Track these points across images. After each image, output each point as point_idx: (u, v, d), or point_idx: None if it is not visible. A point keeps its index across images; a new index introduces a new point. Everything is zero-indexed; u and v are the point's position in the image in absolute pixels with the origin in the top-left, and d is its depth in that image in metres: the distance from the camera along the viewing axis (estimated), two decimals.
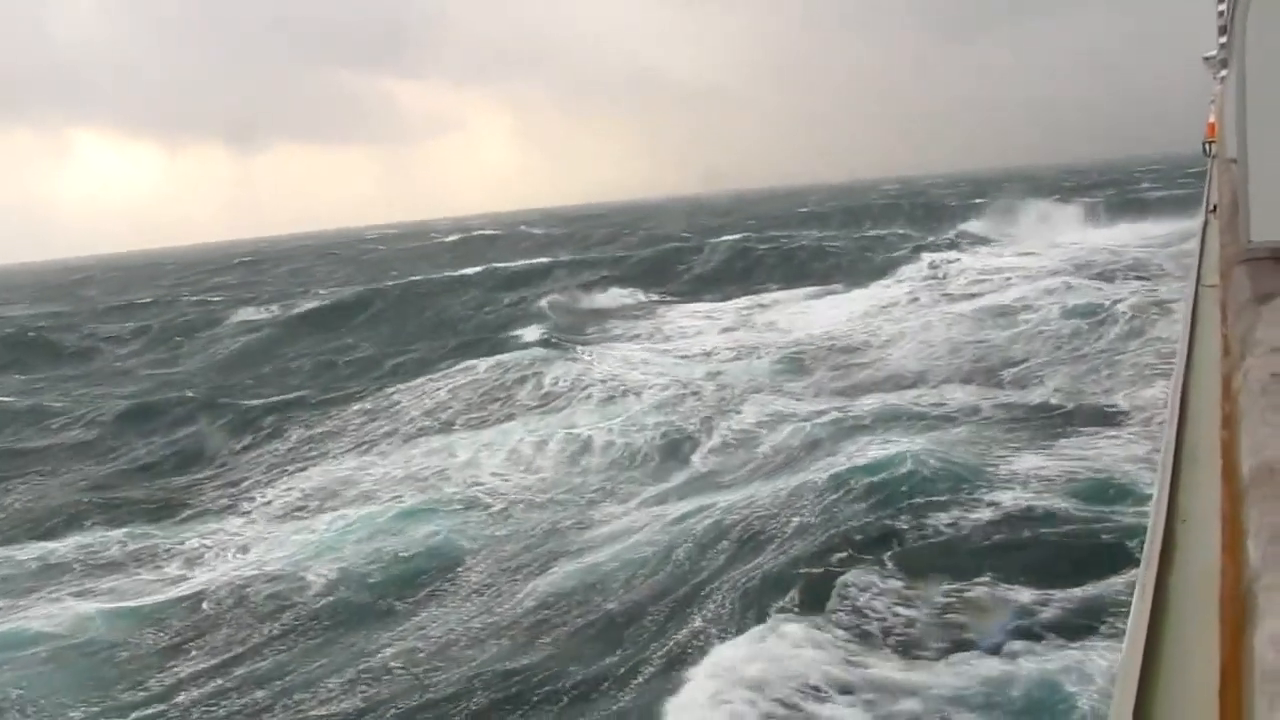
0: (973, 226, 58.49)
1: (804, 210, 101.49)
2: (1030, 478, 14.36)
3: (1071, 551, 11.68)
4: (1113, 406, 17.94)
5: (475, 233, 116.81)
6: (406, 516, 16.35)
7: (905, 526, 12.94)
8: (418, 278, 55.75)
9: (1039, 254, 42.14)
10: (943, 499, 13.71)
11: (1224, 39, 16.94)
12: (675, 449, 18.77)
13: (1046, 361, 22.34)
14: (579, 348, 29.44)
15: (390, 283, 53.52)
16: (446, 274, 57.44)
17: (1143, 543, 2.66)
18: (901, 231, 59.26)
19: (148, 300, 64.70)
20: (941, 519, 13.11)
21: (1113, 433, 16.27)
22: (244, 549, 16.02)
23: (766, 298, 40.16)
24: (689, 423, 20.04)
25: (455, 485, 18.02)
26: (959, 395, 20.12)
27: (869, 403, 19.97)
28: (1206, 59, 24.42)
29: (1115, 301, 26.26)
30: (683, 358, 27.90)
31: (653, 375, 24.86)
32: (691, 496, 15.89)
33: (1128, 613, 2.29)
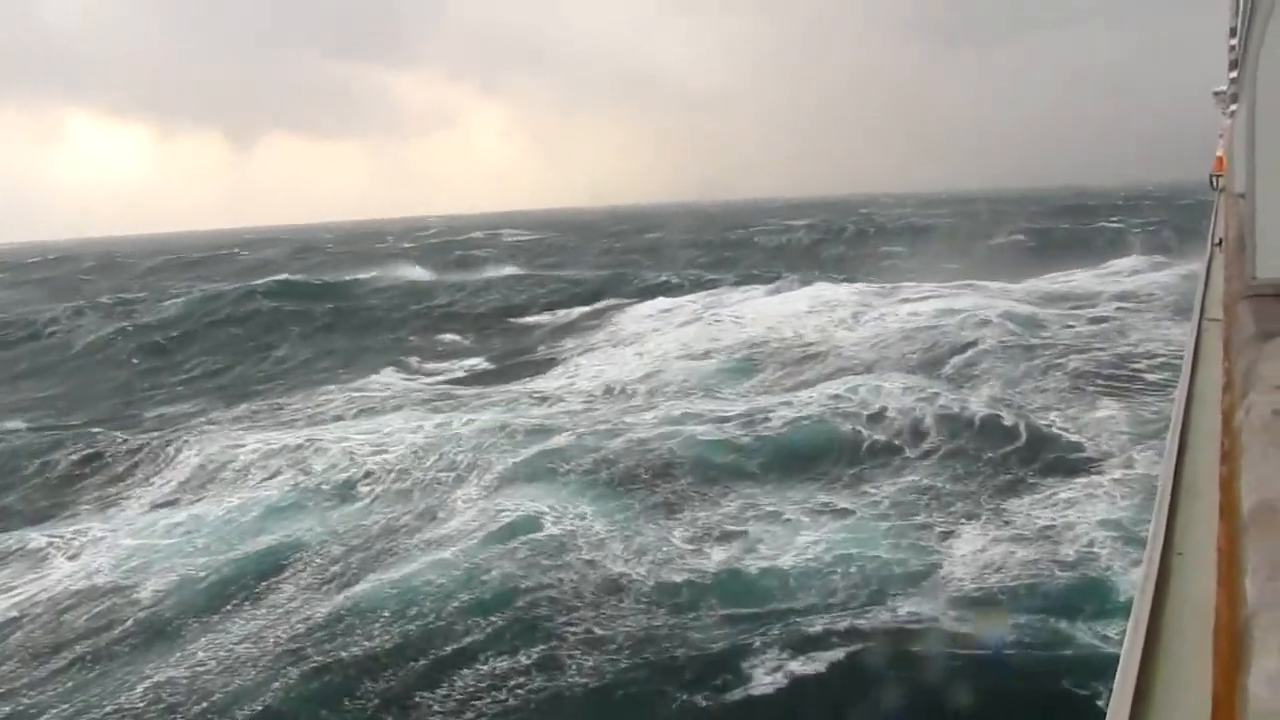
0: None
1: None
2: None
3: None
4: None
5: (428, 239, 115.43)
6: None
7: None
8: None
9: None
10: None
11: (1234, 74, 16.99)
12: None
13: None
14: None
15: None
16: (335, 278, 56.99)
17: (1138, 573, 2.67)
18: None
19: None
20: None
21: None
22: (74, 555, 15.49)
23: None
24: None
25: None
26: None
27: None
28: (1216, 93, 24.45)
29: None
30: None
31: None
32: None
33: (1121, 643, 2.29)
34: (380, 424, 22.02)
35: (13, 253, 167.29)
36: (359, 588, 13.18)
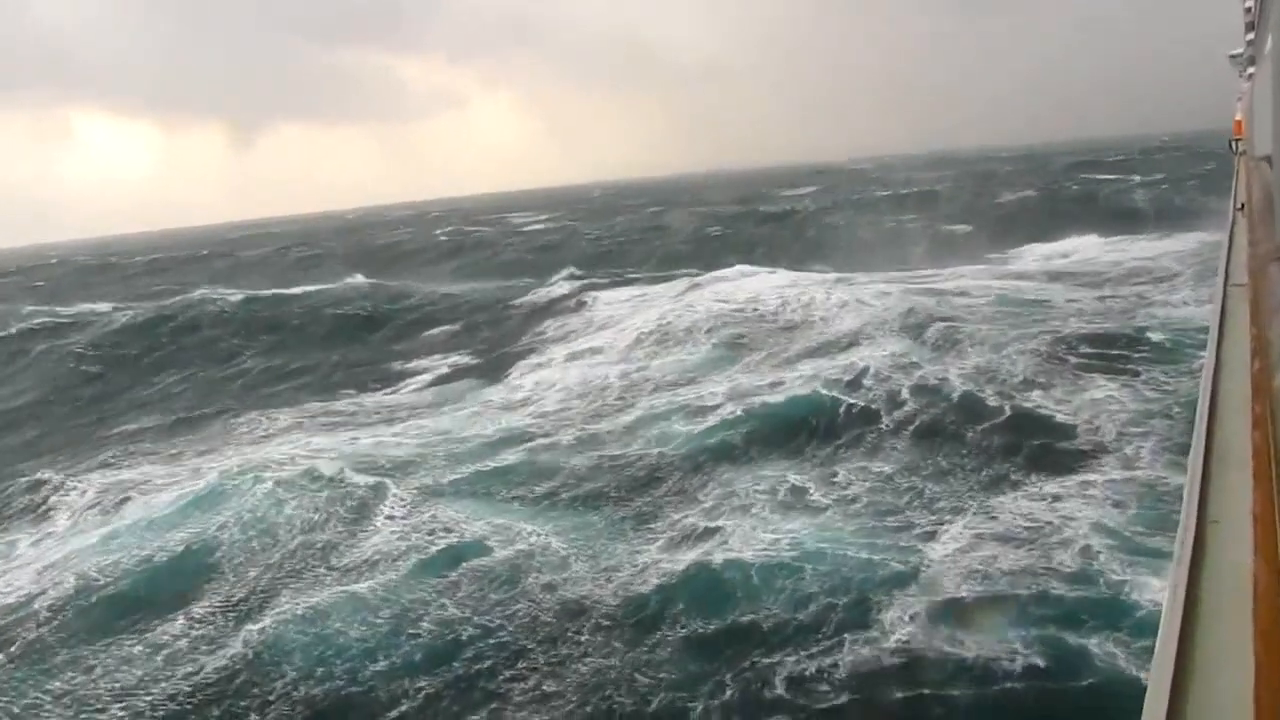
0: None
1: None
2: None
3: None
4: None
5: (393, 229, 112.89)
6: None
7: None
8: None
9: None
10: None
11: (1251, 35, 16.73)
12: None
13: None
14: None
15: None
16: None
17: (1174, 542, 2.64)
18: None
19: None
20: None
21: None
22: None
23: None
24: None
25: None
26: None
27: None
28: (1233, 57, 24.13)
29: None
30: None
31: None
32: None
33: (1159, 613, 2.27)
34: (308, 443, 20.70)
35: None
36: (263, 630, 11.81)
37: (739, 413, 18.81)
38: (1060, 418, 16.60)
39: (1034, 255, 42.99)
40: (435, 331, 38.25)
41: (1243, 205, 8.80)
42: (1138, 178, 76.48)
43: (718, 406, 19.62)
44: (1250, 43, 16.65)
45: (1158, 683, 1.94)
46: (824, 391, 19.30)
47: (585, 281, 45.35)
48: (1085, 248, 43.04)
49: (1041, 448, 15.47)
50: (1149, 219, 50.96)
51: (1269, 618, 1.60)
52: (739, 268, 41.26)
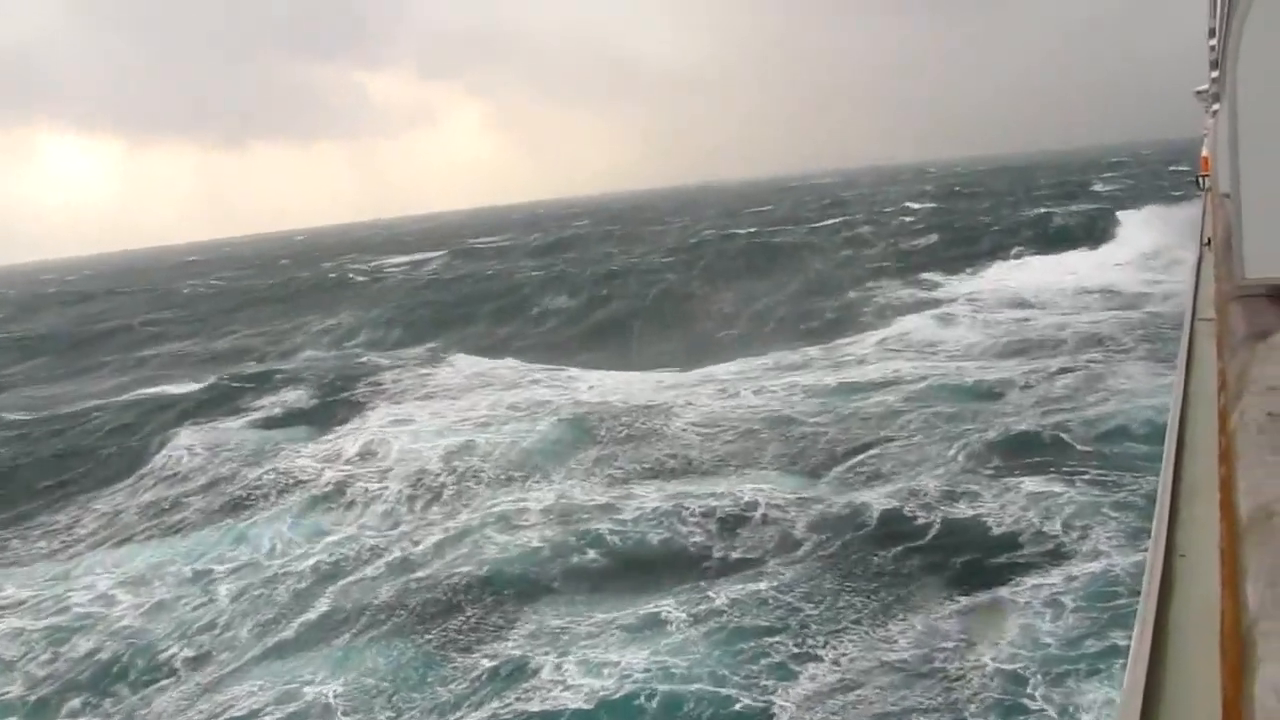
0: None
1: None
2: None
3: None
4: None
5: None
6: None
7: None
8: None
9: None
10: None
11: (1215, 74, 17.09)
12: None
13: None
14: None
15: None
16: None
17: (1142, 576, 2.66)
18: None
19: None
20: None
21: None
22: None
23: None
24: None
25: None
26: None
27: None
28: (1198, 93, 24.61)
29: None
30: None
31: None
32: None
33: (1128, 646, 2.28)
34: None
35: None
36: None
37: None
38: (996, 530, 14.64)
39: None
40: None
41: (1209, 240, 8.97)
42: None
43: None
44: (1215, 80, 17.01)
45: (1127, 713, 1.95)
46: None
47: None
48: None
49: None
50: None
51: (1236, 652, 1.62)
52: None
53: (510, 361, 34.63)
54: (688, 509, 16.95)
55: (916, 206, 79.28)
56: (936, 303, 37.17)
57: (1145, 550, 2.82)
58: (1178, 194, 53.77)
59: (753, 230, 72.57)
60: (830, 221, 77.13)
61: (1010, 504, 15.38)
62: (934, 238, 57.69)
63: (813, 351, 31.14)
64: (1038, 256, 46.47)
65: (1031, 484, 16.04)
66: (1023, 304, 34.91)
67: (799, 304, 42.32)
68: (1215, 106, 17.46)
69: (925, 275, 45.19)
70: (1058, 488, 15.72)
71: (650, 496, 17.92)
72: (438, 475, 20.86)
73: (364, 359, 37.05)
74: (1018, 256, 47.47)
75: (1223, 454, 2.73)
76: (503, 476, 20.49)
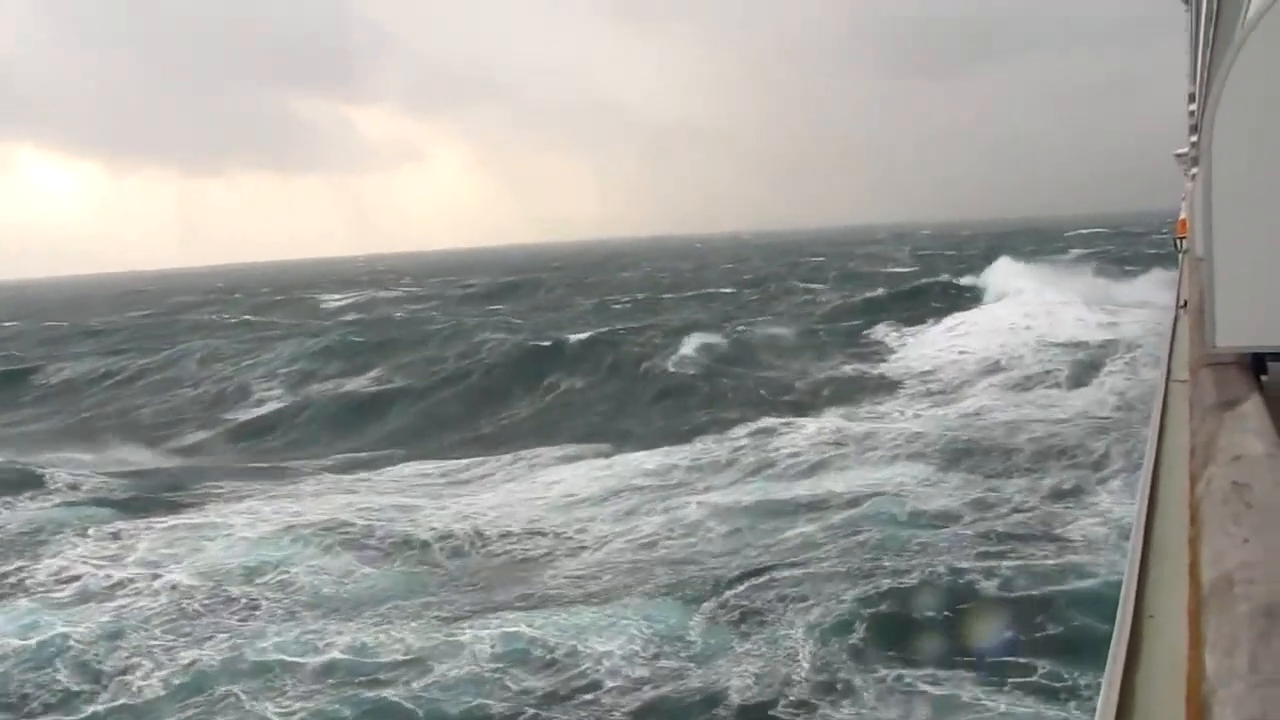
0: None
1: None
2: None
3: None
4: None
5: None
6: None
7: None
8: None
9: None
10: None
11: (1194, 138, 17.43)
12: None
13: None
14: None
15: None
16: None
17: (1110, 637, 2.67)
18: None
19: None
20: None
21: None
22: None
23: None
24: None
25: None
26: None
27: None
28: (1178, 156, 25.05)
29: None
30: None
31: None
32: None
33: (1094, 708, 2.28)
34: None
35: None
36: None
37: None
38: None
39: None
40: None
41: (1185, 303, 9.09)
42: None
43: None
44: (1194, 144, 17.33)
45: None
46: None
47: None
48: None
49: None
50: None
51: (1201, 714, 1.63)
52: None
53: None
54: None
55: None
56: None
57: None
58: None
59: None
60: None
61: None
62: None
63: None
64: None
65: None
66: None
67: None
68: (1194, 170, 17.78)
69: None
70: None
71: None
72: None
73: None
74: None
75: (1193, 515, 2.75)
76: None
